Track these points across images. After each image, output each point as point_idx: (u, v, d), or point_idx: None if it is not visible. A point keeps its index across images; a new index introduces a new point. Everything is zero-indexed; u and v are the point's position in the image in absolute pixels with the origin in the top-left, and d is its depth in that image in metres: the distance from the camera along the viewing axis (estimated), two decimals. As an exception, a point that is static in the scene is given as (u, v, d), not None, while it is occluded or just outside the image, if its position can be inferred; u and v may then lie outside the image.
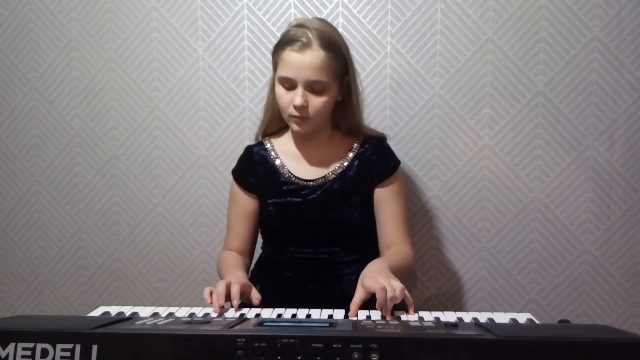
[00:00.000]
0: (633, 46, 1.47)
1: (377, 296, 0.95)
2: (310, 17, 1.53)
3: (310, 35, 1.16)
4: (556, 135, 1.52)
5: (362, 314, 0.96)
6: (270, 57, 1.55)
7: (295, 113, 1.19)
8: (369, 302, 0.99)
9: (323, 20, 1.28)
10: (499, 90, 1.52)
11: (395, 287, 0.95)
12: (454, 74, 1.52)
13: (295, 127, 1.23)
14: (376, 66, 1.54)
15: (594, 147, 1.51)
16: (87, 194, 1.71)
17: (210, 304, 1.01)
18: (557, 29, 1.48)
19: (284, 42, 1.19)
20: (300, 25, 1.19)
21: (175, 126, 1.64)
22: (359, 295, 1.00)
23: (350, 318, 0.94)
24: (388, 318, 0.92)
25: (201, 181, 1.65)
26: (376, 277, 0.98)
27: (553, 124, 1.52)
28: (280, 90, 1.21)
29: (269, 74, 1.57)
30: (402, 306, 1.00)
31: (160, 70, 1.62)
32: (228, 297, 1.03)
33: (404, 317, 0.95)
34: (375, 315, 0.96)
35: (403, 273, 1.16)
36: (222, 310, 0.99)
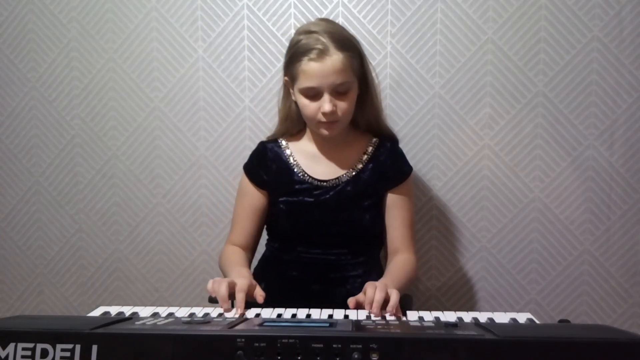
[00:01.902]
0: (633, 46, 1.47)
1: (367, 293, 0.98)
2: (311, 18, 1.53)
3: (323, 40, 1.15)
4: (556, 135, 1.52)
5: (362, 314, 0.96)
6: (270, 57, 1.57)
7: (325, 119, 1.19)
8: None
9: (328, 20, 1.28)
10: (499, 90, 1.52)
11: (390, 292, 0.98)
12: (454, 74, 1.52)
13: (325, 132, 1.22)
14: (376, 66, 1.54)
15: (594, 147, 1.51)
16: (87, 194, 1.71)
17: (213, 295, 1.02)
18: (557, 29, 1.48)
19: (299, 53, 1.16)
20: (309, 32, 1.18)
21: (175, 126, 1.64)
22: (359, 295, 1.02)
23: (349, 308, 0.96)
24: (374, 317, 0.93)
25: (201, 181, 1.65)
26: (375, 284, 1.02)
27: (553, 124, 1.52)
28: (304, 100, 1.20)
29: (269, 74, 1.57)
30: (400, 306, 1.01)
31: (160, 70, 1.62)
32: (232, 296, 1.03)
33: (404, 317, 0.95)
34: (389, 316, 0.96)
35: (406, 289, 1.19)
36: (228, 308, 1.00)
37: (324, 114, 1.18)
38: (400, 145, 1.51)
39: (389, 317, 0.93)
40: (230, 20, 1.58)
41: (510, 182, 1.55)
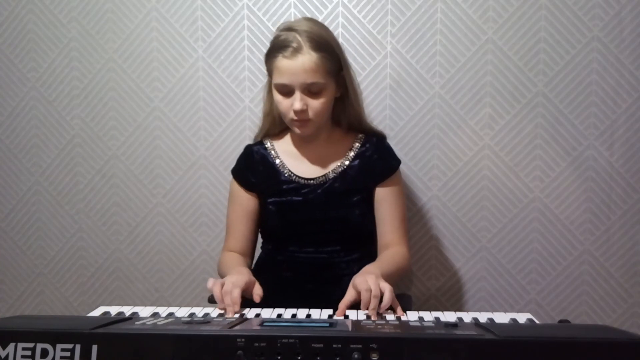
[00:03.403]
0: (633, 46, 1.47)
1: (362, 297, 0.96)
2: (308, 16, 1.53)
3: (300, 38, 1.16)
4: (556, 135, 1.52)
5: (362, 314, 0.96)
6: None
7: (296, 117, 1.20)
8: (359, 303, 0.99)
9: (312, 20, 1.28)
10: (499, 90, 1.52)
11: (383, 289, 0.96)
12: (454, 74, 1.52)
13: (297, 130, 1.24)
14: (376, 66, 1.54)
15: (594, 147, 1.51)
16: (87, 194, 1.71)
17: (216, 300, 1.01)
18: (557, 29, 1.48)
19: (275, 48, 1.19)
20: (289, 29, 1.19)
21: (175, 126, 1.64)
22: (348, 296, 1.01)
23: (336, 317, 0.94)
24: (373, 318, 0.92)
25: (201, 181, 1.65)
26: (365, 278, 1.00)
27: (553, 124, 1.52)
28: (278, 96, 1.21)
29: (269, 74, 1.57)
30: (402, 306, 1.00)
31: (160, 70, 1.62)
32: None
33: (404, 317, 0.95)
34: (387, 313, 0.96)
35: (395, 278, 1.18)
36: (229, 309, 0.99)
37: (294, 111, 1.19)
38: (401, 145, 1.51)
39: (389, 317, 0.93)
40: (230, 20, 1.58)
41: (510, 182, 1.55)
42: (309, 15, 1.54)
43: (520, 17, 1.49)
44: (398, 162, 1.33)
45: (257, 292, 1.06)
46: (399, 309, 0.98)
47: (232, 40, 1.59)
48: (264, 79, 1.58)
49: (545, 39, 1.49)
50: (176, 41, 1.61)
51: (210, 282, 1.04)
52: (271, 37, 1.54)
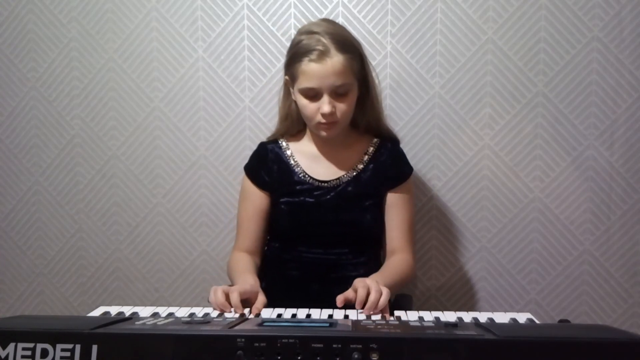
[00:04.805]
0: (633, 46, 1.47)
1: (358, 294, 0.98)
2: (311, 18, 1.53)
3: (324, 41, 1.15)
4: (556, 135, 1.52)
5: (362, 314, 0.96)
6: (270, 57, 1.57)
7: (324, 120, 1.19)
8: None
9: (330, 21, 1.27)
10: (499, 90, 1.52)
11: (382, 290, 0.98)
12: (454, 74, 1.52)
13: (323, 133, 1.23)
14: (376, 66, 1.54)
15: (594, 147, 1.51)
16: (87, 194, 1.71)
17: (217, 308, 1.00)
18: (557, 29, 1.48)
19: (300, 53, 1.17)
20: (310, 32, 1.18)
21: (175, 126, 1.64)
22: (347, 293, 1.02)
23: (337, 304, 0.97)
24: (366, 313, 0.94)
25: (201, 181, 1.65)
26: (366, 281, 1.01)
27: (553, 124, 1.52)
28: (303, 100, 1.20)
29: (269, 74, 1.57)
30: (399, 306, 1.01)
31: (160, 70, 1.62)
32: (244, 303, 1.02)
33: (404, 317, 0.95)
34: (376, 315, 0.96)
35: (398, 287, 1.19)
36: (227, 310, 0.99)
37: (323, 115, 1.18)
38: (400, 145, 1.51)
39: (377, 317, 0.93)
40: (230, 20, 1.58)
41: (510, 182, 1.55)
42: (309, 15, 1.54)
43: (520, 17, 1.49)
44: (410, 169, 1.33)
45: (258, 306, 1.03)
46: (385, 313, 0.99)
47: (232, 40, 1.59)
48: (264, 79, 1.58)
49: (545, 39, 1.49)
50: (176, 41, 1.61)
51: (212, 295, 1.02)
52: (271, 37, 1.56)
